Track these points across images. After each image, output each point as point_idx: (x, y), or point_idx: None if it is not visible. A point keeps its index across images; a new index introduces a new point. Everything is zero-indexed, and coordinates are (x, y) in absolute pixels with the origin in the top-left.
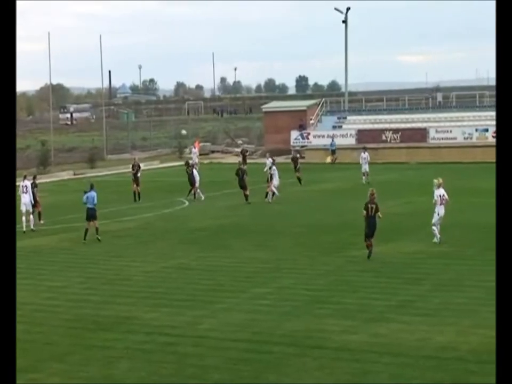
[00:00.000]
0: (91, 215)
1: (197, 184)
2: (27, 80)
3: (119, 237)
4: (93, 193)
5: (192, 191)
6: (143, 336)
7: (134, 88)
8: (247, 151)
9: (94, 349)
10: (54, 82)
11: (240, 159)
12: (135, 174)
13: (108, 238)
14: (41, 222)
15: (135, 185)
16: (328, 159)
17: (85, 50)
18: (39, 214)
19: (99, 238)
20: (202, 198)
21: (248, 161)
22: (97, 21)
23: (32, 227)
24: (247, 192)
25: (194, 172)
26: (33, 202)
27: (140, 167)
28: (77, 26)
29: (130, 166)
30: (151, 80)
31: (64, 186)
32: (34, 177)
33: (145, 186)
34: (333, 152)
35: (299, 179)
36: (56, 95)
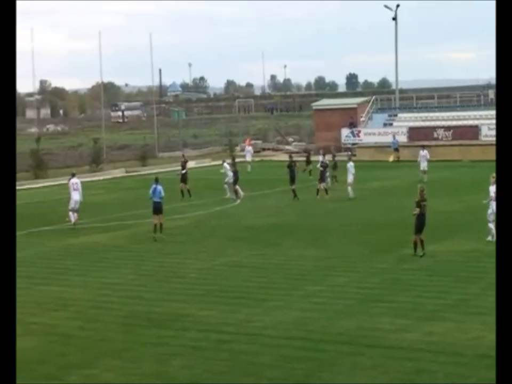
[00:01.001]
0: (157, 208)
1: (228, 180)
2: (79, 79)
3: (172, 235)
4: (159, 187)
5: (235, 189)
6: (197, 334)
7: (184, 86)
8: (311, 150)
9: (148, 345)
10: (105, 80)
11: (289, 154)
12: (182, 172)
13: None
14: (68, 219)
15: (182, 184)
16: (391, 158)
17: (136, 48)
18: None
19: (162, 236)
20: (228, 195)
21: (298, 159)
22: (147, 19)
23: (72, 225)
24: (295, 187)
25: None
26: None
27: (186, 164)
28: (128, 25)
29: (180, 163)
30: (201, 78)
31: (116, 184)
32: (73, 175)
33: (196, 184)
34: (396, 150)
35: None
36: (108, 93)
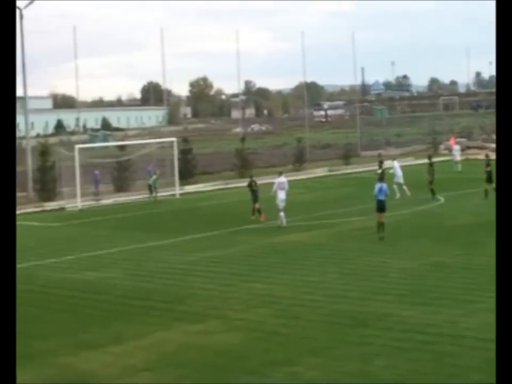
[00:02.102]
0: (382, 207)
1: (397, 180)
2: (282, 79)
3: (374, 234)
4: (384, 185)
5: (431, 188)
6: (400, 334)
7: (387, 85)
8: None
9: (351, 344)
10: (309, 80)
11: (485, 154)
12: (378, 171)
13: (364, 235)
14: (253, 217)
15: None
16: None
17: (338, 48)
18: (258, 210)
19: (382, 236)
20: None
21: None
22: (349, 18)
23: (284, 223)
24: (491, 187)
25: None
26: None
27: (382, 164)
28: (330, 24)
29: (378, 162)
30: (404, 76)
31: (319, 183)
32: (280, 174)
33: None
34: None
35: None
36: (311, 92)
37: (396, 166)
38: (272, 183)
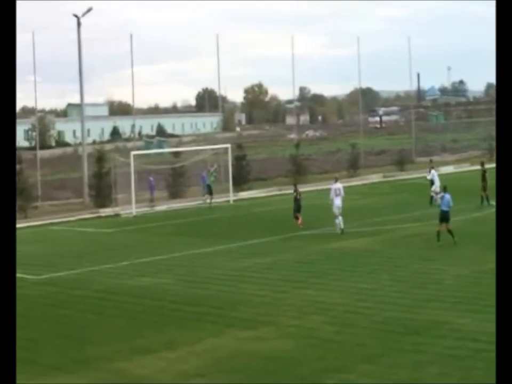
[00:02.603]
0: (445, 217)
1: (436, 188)
2: (337, 85)
3: (429, 240)
4: (447, 196)
5: (485, 194)
6: (453, 341)
7: (443, 90)
8: None
9: (404, 352)
10: (364, 86)
11: None
12: (428, 178)
13: (419, 241)
14: (301, 226)
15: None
16: None
17: (393, 53)
18: (296, 217)
19: (455, 240)
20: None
21: None
22: (405, 23)
23: (339, 230)
24: None
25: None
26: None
27: (432, 170)
28: (385, 29)
29: (428, 168)
30: (460, 82)
31: (373, 189)
32: (336, 180)
33: (453, 189)
34: None
35: None
36: (366, 98)
37: (434, 175)
38: (327, 189)
